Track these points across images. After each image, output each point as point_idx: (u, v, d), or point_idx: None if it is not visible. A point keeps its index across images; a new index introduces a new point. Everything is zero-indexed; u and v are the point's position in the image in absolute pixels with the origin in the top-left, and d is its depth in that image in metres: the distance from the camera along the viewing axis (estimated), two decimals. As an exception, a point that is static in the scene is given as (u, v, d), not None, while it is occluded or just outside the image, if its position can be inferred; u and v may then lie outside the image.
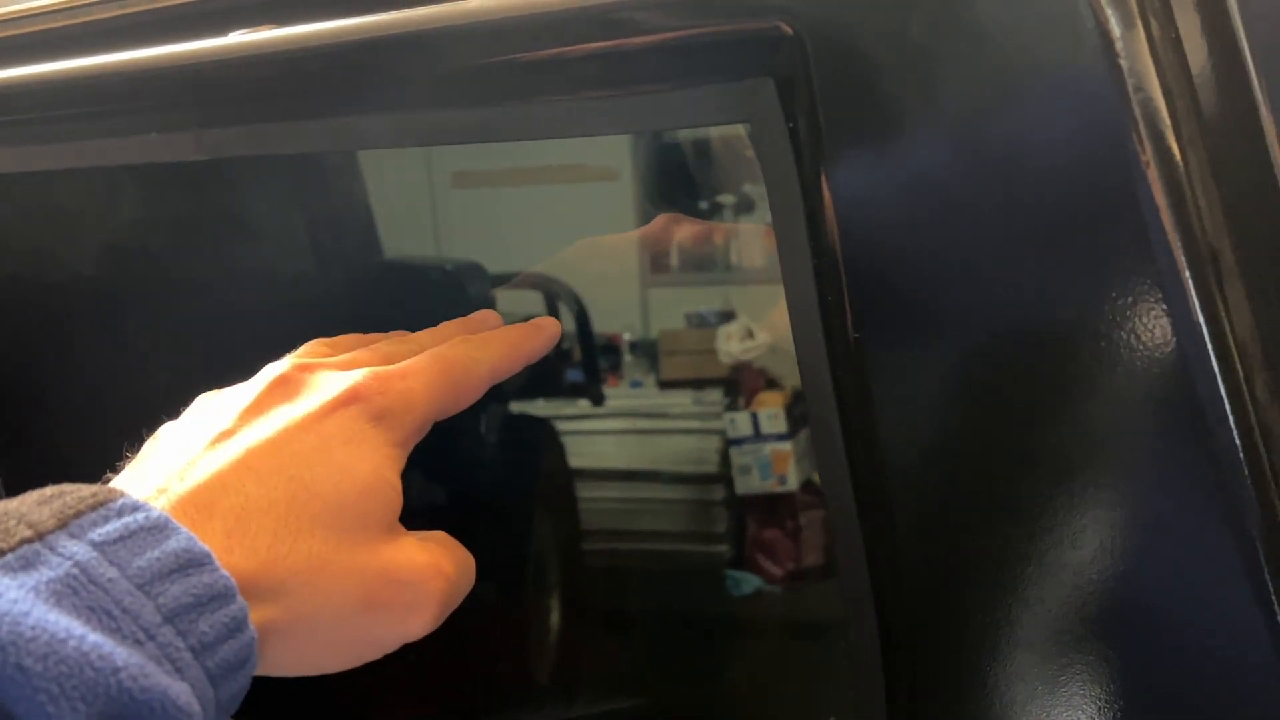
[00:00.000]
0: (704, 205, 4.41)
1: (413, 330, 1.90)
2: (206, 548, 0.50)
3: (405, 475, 2.20)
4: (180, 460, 0.61)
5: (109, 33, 0.74)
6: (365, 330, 1.89)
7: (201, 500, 0.56)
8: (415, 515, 2.14)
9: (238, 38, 0.68)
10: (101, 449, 1.25)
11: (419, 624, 0.66)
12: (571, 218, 4.32)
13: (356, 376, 0.71)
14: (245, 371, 1.37)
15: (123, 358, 1.35)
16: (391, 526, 0.65)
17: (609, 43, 0.57)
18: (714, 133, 4.01)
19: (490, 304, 1.98)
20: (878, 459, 0.59)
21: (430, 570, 0.66)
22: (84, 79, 0.75)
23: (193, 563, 0.48)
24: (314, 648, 0.60)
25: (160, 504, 0.55)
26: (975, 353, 0.56)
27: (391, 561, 0.64)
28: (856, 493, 0.59)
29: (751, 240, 4.31)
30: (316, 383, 0.71)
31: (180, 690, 0.46)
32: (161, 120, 0.79)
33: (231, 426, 0.65)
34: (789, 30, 0.55)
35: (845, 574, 0.59)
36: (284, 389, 0.69)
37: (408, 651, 1.99)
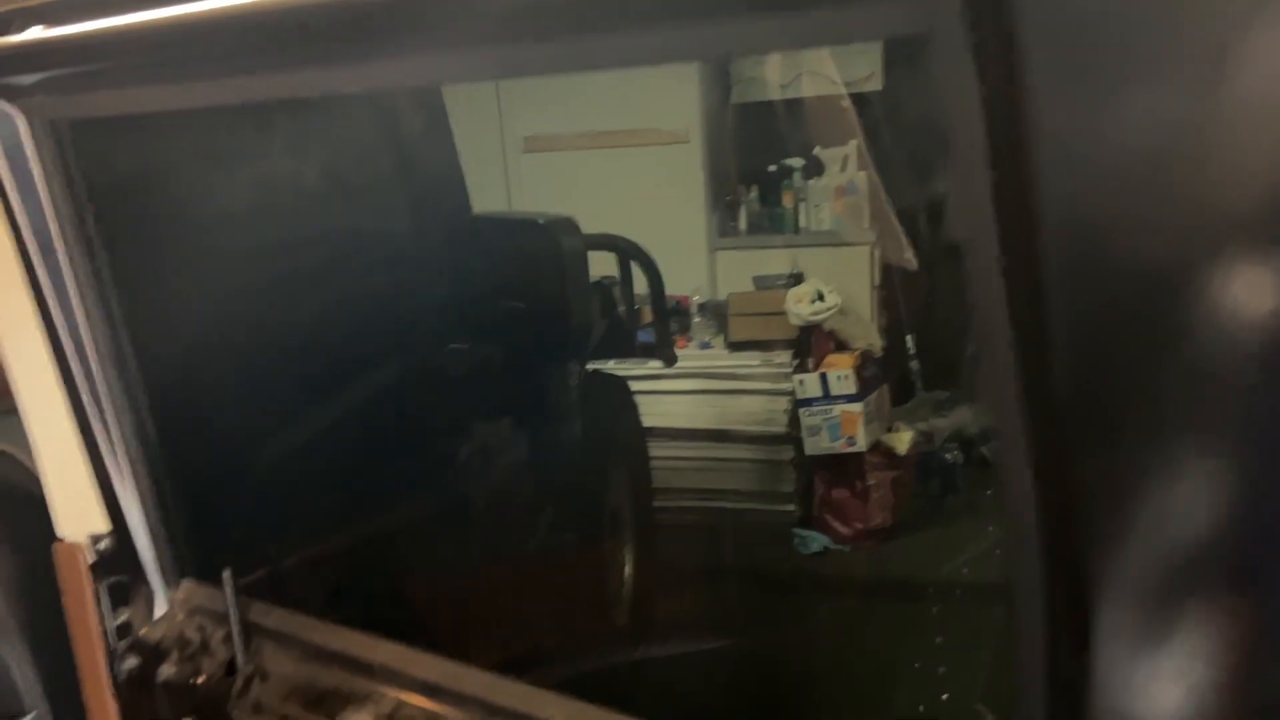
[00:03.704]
0: (773, 169, 4.41)
1: (502, 284, 1.94)
2: None
3: (490, 427, 2.23)
4: None
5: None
6: (453, 284, 1.92)
7: None
8: (500, 477, 2.16)
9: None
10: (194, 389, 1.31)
11: None
12: (641, 181, 4.34)
13: None
14: (352, 318, 1.44)
15: (229, 310, 1.41)
16: None
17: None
18: (789, 91, 3.99)
19: (583, 257, 2.01)
20: (1053, 415, 0.55)
21: None
22: (206, 18, 0.78)
23: None
24: None
25: None
26: (1166, 301, 0.52)
27: None
28: (1034, 453, 0.55)
29: (821, 203, 4.30)
30: None
31: None
32: (288, 57, 0.80)
33: None
34: None
35: (1014, 545, 0.57)
36: None
37: (498, 592, 2.03)
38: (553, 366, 2.06)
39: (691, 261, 4.44)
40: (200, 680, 0.97)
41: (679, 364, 3.72)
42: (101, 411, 0.99)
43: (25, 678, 1.17)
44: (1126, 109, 0.51)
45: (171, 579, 1.05)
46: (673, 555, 3.43)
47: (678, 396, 4.03)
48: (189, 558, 1.05)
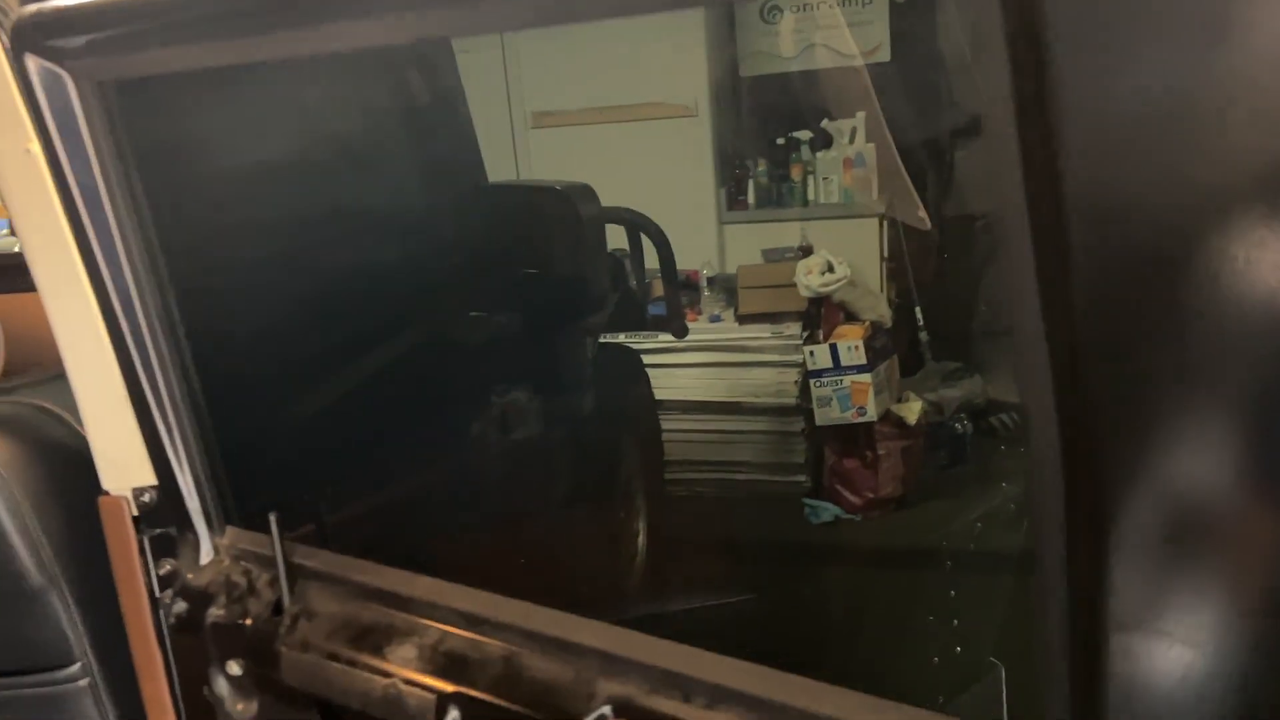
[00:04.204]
0: (781, 142, 4.43)
1: (520, 252, 1.97)
2: None
3: (509, 399, 2.27)
4: None
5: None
6: (472, 252, 1.95)
7: None
8: (517, 444, 2.20)
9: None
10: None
11: None
12: (649, 155, 4.36)
13: None
14: (377, 283, 1.47)
15: (264, 270, 1.45)
16: None
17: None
18: (797, 64, 4.01)
19: (600, 224, 2.04)
20: (1080, 365, 0.58)
21: None
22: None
23: None
24: None
25: None
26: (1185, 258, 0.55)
27: None
28: (1059, 409, 0.58)
29: (829, 176, 4.32)
30: None
31: None
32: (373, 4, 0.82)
33: None
34: None
35: (1041, 517, 0.60)
36: None
37: (513, 554, 2.06)
38: (571, 334, 2.10)
39: (700, 235, 4.46)
40: (248, 621, 1.01)
41: (689, 337, 3.75)
42: (149, 366, 1.03)
43: (72, 628, 1.21)
44: (1148, 65, 0.54)
45: (217, 526, 1.09)
46: (685, 526, 3.47)
47: (689, 370, 4.06)
48: (233, 506, 1.09)
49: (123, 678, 1.22)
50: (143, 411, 1.04)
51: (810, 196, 4.36)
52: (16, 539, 1.16)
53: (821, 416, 3.85)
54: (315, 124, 1.51)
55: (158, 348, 1.00)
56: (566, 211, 1.88)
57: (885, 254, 4.33)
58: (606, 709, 0.78)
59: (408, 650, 0.89)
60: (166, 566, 1.15)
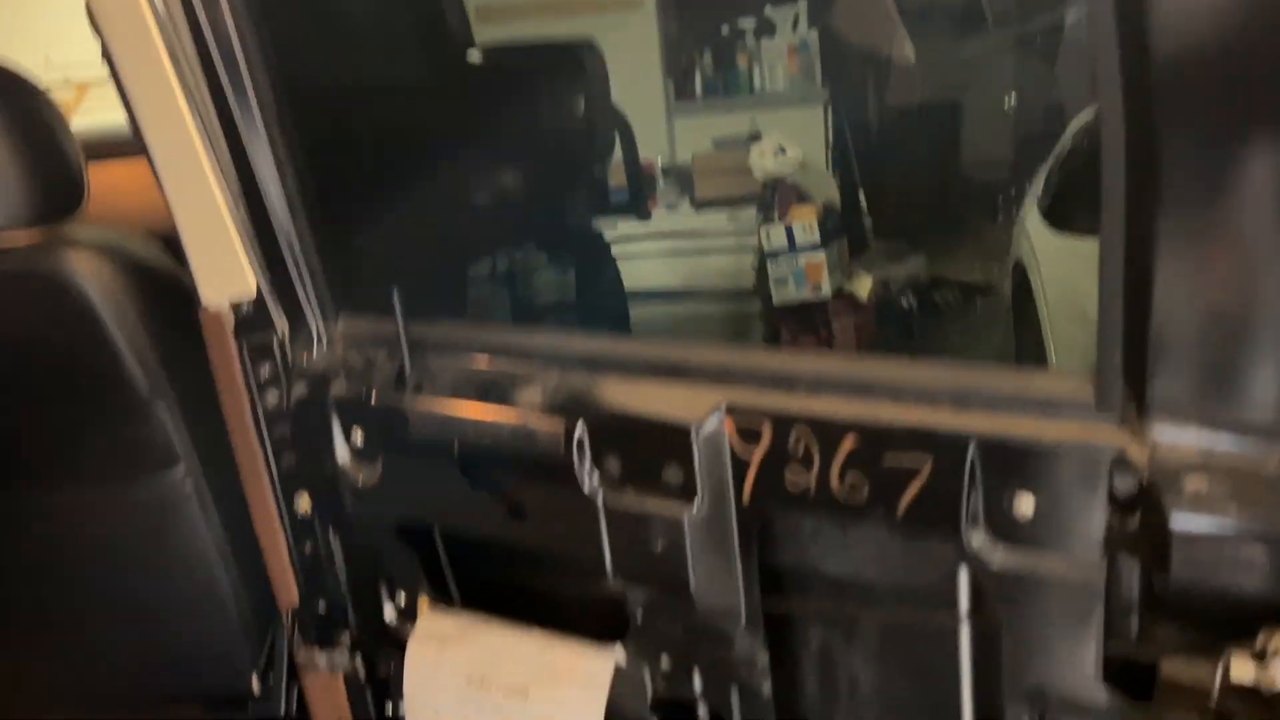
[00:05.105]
0: (725, 29, 4.50)
1: (531, 107, 2.06)
2: None
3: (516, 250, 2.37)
4: None
5: None
6: (484, 120, 2.03)
7: None
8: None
9: None
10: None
11: None
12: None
13: None
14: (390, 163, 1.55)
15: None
16: None
17: None
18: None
19: (606, 83, 2.10)
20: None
21: None
22: None
23: None
24: None
25: None
26: None
27: None
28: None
29: (774, 63, 4.42)
30: None
31: None
32: None
33: None
34: None
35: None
36: None
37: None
38: (574, 194, 2.19)
39: (650, 127, 4.56)
40: (372, 393, 1.13)
41: (649, 226, 3.86)
42: (267, 167, 1.12)
43: (177, 433, 1.32)
44: None
45: (330, 315, 1.20)
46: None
47: (648, 260, 4.20)
48: (343, 296, 1.20)
49: (222, 476, 1.34)
50: (258, 213, 1.14)
51: (756, 85, 4.47)
52: (127, 352, 1.26)
53: (779, 295, 4.02)
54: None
55: (275, 149, 1.10)
56: (573, 69, 1.94)
57: (830, 140, 4.48)
58: (721, 407, 0.93)
59: (531, 394, 1.02)
60: (265, 372, 1.26)
